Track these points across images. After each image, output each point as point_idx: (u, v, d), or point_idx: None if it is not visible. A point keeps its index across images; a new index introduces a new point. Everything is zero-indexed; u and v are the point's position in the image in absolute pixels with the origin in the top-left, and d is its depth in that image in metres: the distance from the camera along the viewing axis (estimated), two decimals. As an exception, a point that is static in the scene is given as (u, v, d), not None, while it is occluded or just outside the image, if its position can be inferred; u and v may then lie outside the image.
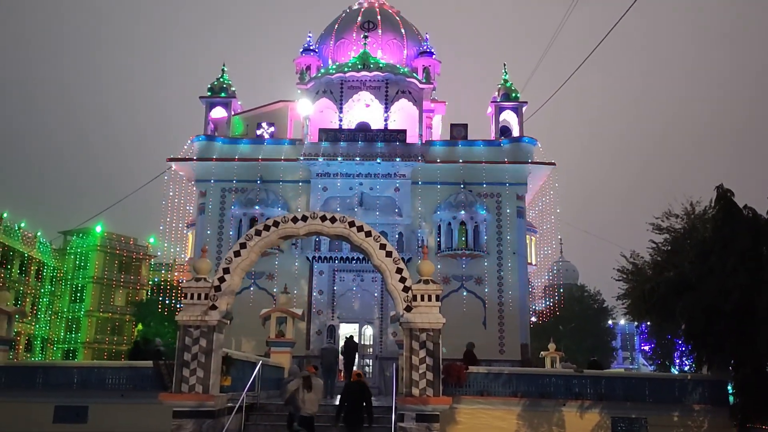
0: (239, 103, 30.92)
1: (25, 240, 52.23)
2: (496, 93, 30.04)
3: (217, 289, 13.30)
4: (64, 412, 15.08)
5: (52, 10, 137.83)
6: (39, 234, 54.86)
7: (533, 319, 29.32)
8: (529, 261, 29.04)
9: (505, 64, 30.68)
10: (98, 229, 56.38)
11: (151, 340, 22.55)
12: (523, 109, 29.83)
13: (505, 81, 30.23)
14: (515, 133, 29.33)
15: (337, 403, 13.88)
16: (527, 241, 29.09)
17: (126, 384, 15.34)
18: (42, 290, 54.82)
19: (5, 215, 49.90)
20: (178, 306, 36.56)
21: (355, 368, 20.02)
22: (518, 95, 29.92)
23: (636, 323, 31.11)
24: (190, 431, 12.53)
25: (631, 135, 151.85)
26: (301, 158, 28.12)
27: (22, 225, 52.49)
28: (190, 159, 28.74)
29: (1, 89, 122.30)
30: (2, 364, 16.29)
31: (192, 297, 13.26)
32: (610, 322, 56.79)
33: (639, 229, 26.63)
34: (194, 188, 29.49)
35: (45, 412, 15.07)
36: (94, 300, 55.59)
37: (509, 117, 29.77)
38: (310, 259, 27.55)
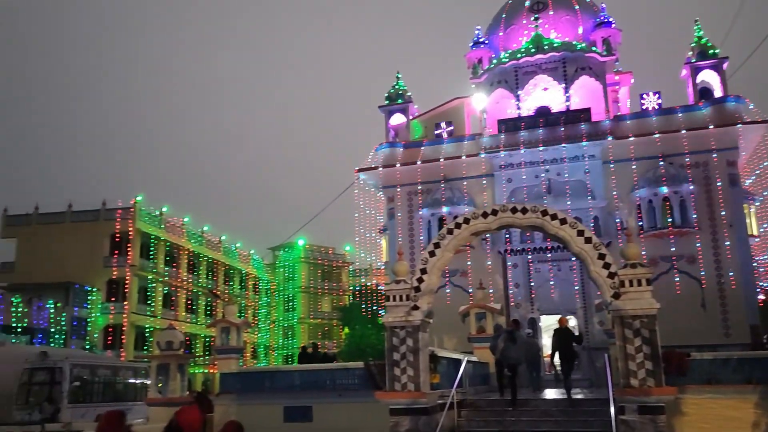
0: (415, 107, 31.54)
1: (241, 258, 58.36)
2: (690, 53, 27.24)
3: (417, 289, 13.57)
4: (293, 412, 16.27)
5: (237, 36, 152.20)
6: (252, 252, 60.97)
7: (761, 296, 26.05)
8: (749, 233, 25.95)
9: (697, 20, 27.77)
10: (301, 242, 61.12)
11: (315, 345, 25.38)
12: (724, 66, 26.76)
13: (699, 38, 27.32)
14: (717, 93, 26.40)
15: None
16: (745, 211, 26.01)
17: (341, 385, 16.22)
18: (260, 302, 60.82)
19: (224, 238, 56.11)
20: (378, 308, 38.43)
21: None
22: (717, 52, 26.89)
23: None
24: (407, 428, 12.86)
25: None
26: (482, 152, 27.88)
27: (239, 245, 58.69)
28: (376, 167, 29.83)
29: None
30: (236, 371, 18.13)
31: (394, 299, 13.65)
32: None
33: None
34: (382, 195, 30.61)
35: (276, 412, 16.40)
36: (304, 308, 60.41)
37: (709, 77, 26.85)
38: (503, 252, 27.16)
